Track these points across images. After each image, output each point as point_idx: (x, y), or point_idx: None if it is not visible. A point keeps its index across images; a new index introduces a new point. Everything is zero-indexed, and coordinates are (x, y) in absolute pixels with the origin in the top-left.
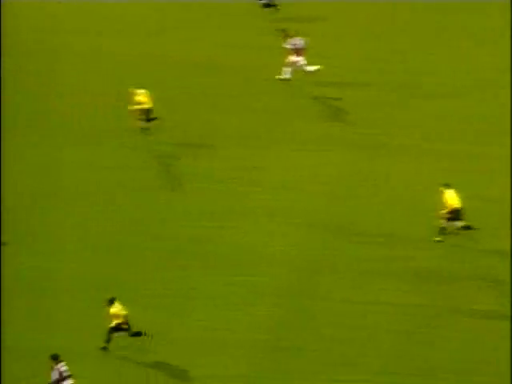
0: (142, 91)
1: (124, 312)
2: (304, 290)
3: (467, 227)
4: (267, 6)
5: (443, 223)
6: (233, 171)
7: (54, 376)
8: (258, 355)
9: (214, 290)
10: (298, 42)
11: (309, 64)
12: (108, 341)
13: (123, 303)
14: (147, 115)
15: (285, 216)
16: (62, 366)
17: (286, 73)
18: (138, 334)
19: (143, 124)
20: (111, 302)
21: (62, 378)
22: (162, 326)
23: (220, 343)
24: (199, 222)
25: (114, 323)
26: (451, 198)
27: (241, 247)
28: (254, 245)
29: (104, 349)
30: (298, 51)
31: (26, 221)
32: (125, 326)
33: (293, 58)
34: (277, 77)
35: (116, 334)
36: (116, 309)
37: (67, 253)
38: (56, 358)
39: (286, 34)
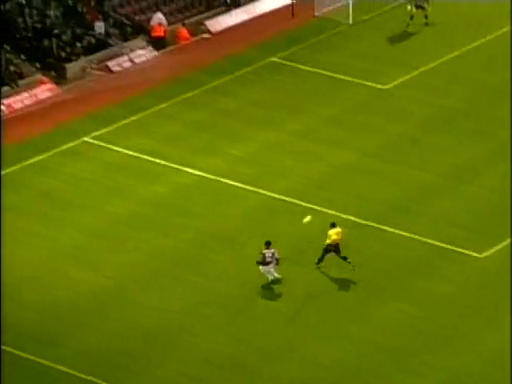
0: None
1: (338, 237)
2: None
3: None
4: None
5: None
6: None
7: (259, 258)
8: None
9: None
10: None
11: None
12: (321, 259)
13: None
14: None
15: None
16: (269, 252)
17: None
18: (344, 258)
19: None
20: (333, 225)
21: (265, 262)
22: None
23: None
24: None
25: (327, 244)
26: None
27: None
28: None
29: (317, 264)
30: None
31: None
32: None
33: None
34: None
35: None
36: (333, 232)
37: None
38: (268, 244)
39: None
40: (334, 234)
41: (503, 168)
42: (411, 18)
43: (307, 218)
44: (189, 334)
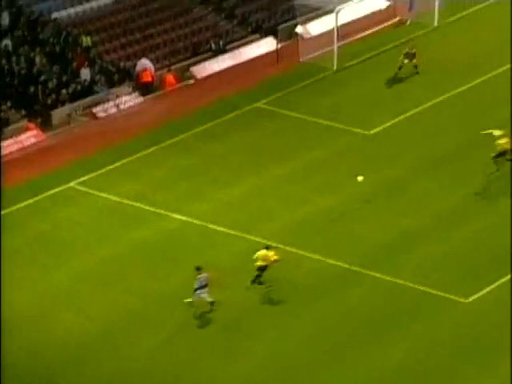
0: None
1: (271, 259)
2: None
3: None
4: None
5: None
6: None
7: (196, 285)
8: None
9: None
10: None
11: None
12: (260, 282)
13: None
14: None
15: None
16: (202, 276)
17: None
18: (260, 282)
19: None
20: (267, 248)
21: (201, 286)
22: None
23: None
24: None
25: (259, 264)
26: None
27: None
28: None
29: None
30: None
31: None
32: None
33: None
34: None
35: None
36: (260, 254)
37: None
38: (198, 269)
39: None
40: (260, 256)
41: (489, 213)
42: (400, 67)
43: (360, 178)
44: (180, 375)
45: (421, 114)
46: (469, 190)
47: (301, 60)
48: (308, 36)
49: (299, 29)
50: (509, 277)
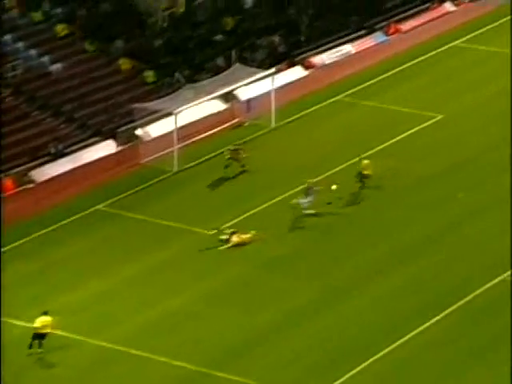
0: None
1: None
2: None
3: None
4: None
5: None
6: None
7: None
8: None
9: None
10: None
11: None
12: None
13: None
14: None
15: None
16: None
17: None
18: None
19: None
20: (45, 313)
21: None
22: None
23: None
24: None
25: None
26: None
27: None
28: None
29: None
30: None
31: None
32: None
33: None
34: None
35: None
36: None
37: None
38: None
39: None
40: (39, 322)
41: (337, 310)
42: (226, 166)
43: (334, 186)
44: None
45: (260, 213)
46: (321, 285)
47: (141, 162)
48: (148, 138)
49: (139, 131)
50: (352, 373)
